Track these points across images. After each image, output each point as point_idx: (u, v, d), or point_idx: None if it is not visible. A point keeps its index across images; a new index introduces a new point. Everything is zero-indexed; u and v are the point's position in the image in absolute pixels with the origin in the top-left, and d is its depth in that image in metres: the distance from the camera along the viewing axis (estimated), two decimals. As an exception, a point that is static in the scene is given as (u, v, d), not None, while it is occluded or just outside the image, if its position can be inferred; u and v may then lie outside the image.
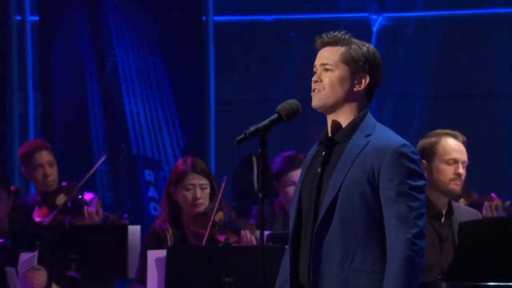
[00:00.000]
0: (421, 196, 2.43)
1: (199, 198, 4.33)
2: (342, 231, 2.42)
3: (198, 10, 7.65)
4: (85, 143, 7.50)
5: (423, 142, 3.70)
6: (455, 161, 3.65)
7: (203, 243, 4.21)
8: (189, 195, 4.33)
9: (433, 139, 3.70)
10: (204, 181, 4.37)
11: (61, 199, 5.17)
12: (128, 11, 7.63)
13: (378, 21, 7.60)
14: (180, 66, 7.58)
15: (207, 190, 4.39)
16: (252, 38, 7.83)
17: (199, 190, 4.34)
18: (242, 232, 4.39)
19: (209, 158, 7.42)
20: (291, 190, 5.23)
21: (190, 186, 4.33)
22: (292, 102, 2.55)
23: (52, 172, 5.28)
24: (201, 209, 4.35)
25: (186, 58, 7.63)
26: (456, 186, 3.66)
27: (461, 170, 3.65)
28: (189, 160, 4.49)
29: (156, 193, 7.38)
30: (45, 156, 5.27)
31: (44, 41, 7.53)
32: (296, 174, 5.24)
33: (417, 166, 2.45)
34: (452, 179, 3.63)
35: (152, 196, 7.43)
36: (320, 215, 2.45)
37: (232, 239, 4.31)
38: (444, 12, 7.73)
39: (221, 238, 4.31)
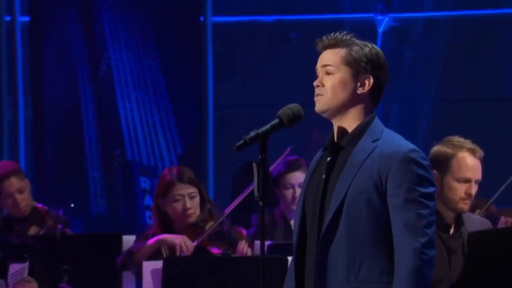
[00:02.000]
0: (431, 204, 2.42)
1: (190, 208, 4.35)
2: (348, 240, 2.41)
3: (196, 10, 7.65)
4: (78, 149, 7.49)
5: (438, 149, 3.64)
6: (468, 180, 3.61)
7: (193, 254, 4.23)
8: (178, 206, 4.34)
9: (449, 151, 3.62)
10: (192, 190, 4.39)
11: None
12: (123, 11, 7.64)
13: (383, 21, 7.60)
14: (177, 68, 7.58)
15: (197, 199, 4.40)
16: (252, 39, 7.83)
17: (188, 200, 4.35)
18: (238, 244, 4.39)
19: (207, 164, 7.41)
20: (289, 193, 5.23)
21: (179, 197, 4.35)
22: (293, 107, 2.55)
23: (24, 198, 5.18)
24: (192, 219, 4.37)
25: (184, 60, 7.62)
26: (465, 206, 3.63)
27: (473, 190, 3.61)
28: (174, 170, 4.51)
29: (152, 201, 7.37)
30: (14, 183, 5.14)
31: (35, 43, 7.53)
32: (294, 176, 5.25)
33: (426, 173, 2.45)
34: (462, 198, 3.60)
35: (147, 205, 7.42)
36: (325, 223, 2.44)
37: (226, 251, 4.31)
38: (453, 12, 7.72)
39: (214, 250, 4.32)
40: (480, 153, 3.64)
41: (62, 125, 7.58)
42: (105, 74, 7.58)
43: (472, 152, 3.62)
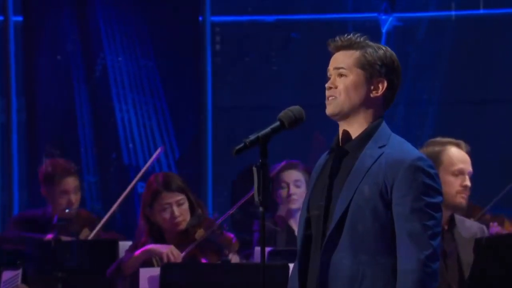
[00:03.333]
0: (437, 214, 2.41)
1: (178, 216, 4.35)
2: (352, 249, 2.40)
3: (194, 9, 7.64)
4: (73, 153, 7.47)
5: (425, 150, 3.64)
6: (462, 172, 3.64)
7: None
8: (166, 215, 4.35)
9: (437, 148, 3.68)
10: (179, 197, 4.38)
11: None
12: (119, 10, 7.62)
13: (388, 21, 7.60)
14: (174, 69, 7.57)
15: (185, 205, 4.39)
16: (252, 39, 7.82)
17: (176, 208, 4.34)
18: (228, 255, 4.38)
19: (206, 168, 7.40)
20: (284, 192, 5.25)
21: (166, 206, 4.34)
22: (295, 109, 2.54)
23: (77, 199, 5.41)
24: (182, 226, 4.36)
25: (182, 61, 7.61)
26: (462, 200, 3.65)
27: (468, 182, 3.64)
28: (160, 178, 4.49)
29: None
30: (71, 182, 5.37)
31: (28, 43, 7.52)
32: (289, 175, 5.27)
33: (433, 182, 2.43)
34: (459, 192, 3.63)
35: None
36: (328, 231, 2.43)
37: (213, 260, 4.31)
38: (458, 12, 7.72)
39: (203, 260, 4.31)
40: (467, 147, 3.70)
41: (56, 128, 7.57)
42: (100, 76, 7.57)
43: (459, 145, 3.69)
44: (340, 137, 2.54)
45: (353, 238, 2.40)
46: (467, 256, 3.47)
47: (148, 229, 4.41)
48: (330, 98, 2.51)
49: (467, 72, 7.57)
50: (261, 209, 2.44)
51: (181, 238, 4.35)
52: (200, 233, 4.34)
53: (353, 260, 2.40)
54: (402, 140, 2.54)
